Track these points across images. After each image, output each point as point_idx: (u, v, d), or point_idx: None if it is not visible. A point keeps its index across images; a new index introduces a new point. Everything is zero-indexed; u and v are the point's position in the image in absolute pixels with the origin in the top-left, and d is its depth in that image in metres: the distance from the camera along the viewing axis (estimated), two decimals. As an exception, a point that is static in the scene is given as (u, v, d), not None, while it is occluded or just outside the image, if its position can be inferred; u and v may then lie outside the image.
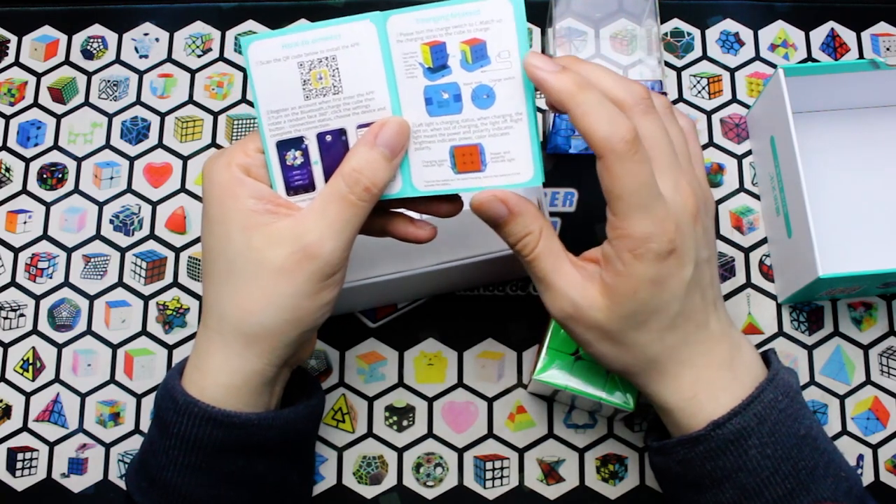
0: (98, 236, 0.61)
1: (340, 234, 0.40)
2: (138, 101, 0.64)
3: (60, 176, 0.62)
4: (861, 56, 0.64)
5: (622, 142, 0.38)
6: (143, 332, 0.59)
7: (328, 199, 0.41)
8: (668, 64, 0.64)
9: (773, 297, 0.59)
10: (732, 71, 0.64)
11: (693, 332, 0.42)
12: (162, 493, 0.43)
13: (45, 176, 0.62)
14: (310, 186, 0.42)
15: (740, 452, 0.41)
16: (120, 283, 0.60)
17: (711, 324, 0.43)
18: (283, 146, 0.41)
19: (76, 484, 0.56)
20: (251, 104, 0.63)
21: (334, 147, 0.41)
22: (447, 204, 0.44)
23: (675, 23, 0.65)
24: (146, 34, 0.65)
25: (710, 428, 0.41)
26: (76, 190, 0.62)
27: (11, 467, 0.57)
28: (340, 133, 0.41)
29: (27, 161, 0.63)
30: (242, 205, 0.41)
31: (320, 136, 0.41)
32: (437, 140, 0.41)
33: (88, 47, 0.65)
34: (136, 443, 0.57)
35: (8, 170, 0.62)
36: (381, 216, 0.44)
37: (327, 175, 0.42)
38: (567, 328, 0.43)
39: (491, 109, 0.40)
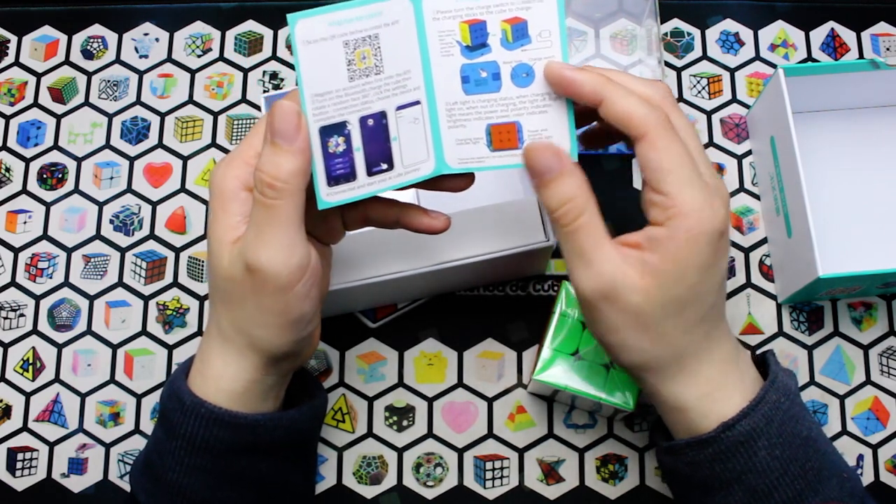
0: (98, 236, 0.61)
1: (270, 241, 0.38)
2: (138, 101, 0.64)
3: (60, 176, 0.62)
4: (861, 56, 0.64)
5: (664, 117, 0.39)
6: (143, 332, 0.59)
7: (252, 207, 0.39)
8: (668, 64, 0.64)
9: (773, 297, 0.59)
10: (732, 71, 0.64)
11: (714, 325, 0.42)
12: (167, 493, 0.43)
13: (45, 176, 0.62)
14: (351, 175, 0.40)
15: (750, 454, 0.41)
16: (120, 283, 0.60)
17: (724, 318, 0.43)
18: (326, 132, 0.39)
19: (76, 484, 0.56)
20: (251, 104, 0.63)
21: (376, 132, 0.40)
22: (461, 179, 0.44)
23: (675, 23, 0.65)
24: (146, 34, 0.65)
25: (721, 430, 0.41)
26: (76, 190, 0.62)
27: (11, 467, 0.57)
28: (381, 116, 0.40)
29: (27, 161, 0.63)
30: (230, 221, 0.40)
31: (363, 121, 0.40)
32: (473, 118, 0.41)
33: (88, 47, 0.65)
34: (136, 443, 0.57)
35: (8, 170, 0.62)
36: (393, 207, 0.44)
37: (368, 163, 0.40)
38: (596, 310, 0.40)
39: (530, 88, 0.40)
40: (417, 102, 0.40)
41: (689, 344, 0.41)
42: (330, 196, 0.40)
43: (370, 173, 0.41)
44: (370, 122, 0.40)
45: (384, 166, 0.41)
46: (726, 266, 0.41)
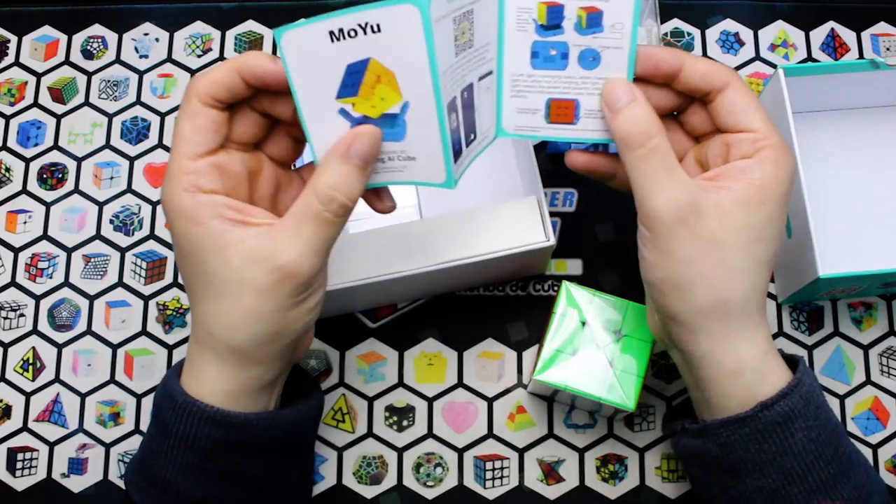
0: (98, 236, 0.61)
1: (318, 252, 0.39)
2: (138, 101, 0.64)
3: (60, 176, 0.62)
4: (861, 56, 0.64)
5: (737, 74, 0.42)
6: (143, 332, 0.59)
7: (302, 217, 0.39)
8: (668, 64, 0.64)
9: (773, 298, 0.59)
10: (732, 71, 0.64)
11: (768, 281, 0.42)
12: (161, 492, 0.43)
13: (45, 176, 0.62)
14: (458, 152, 0.41)
15: (787, 435, 0.41)
16: (120, 283, 0.60)
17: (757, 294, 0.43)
18: (448, 110, 0.39)
19: (76, 484, 0.56)
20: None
21: (468, 103, 0.41)
22: (385, 202, 0.44)
23: (675, 23, 0.65)
24: (146, 34, 0.65)
25: (758, 409, 0.40)
26: (76, 190, 0.62)
27: (11, 467, 0.57)
28: (470, 88, 0.41)
29: (27, 161, 0.63)
30: (208, 228, 0.39)
31: (462, 94, 0.41)
32: (535, 91, 0.43)
33: (88, 47, 0.65)
34: (136, 443, 0.57)
35: (8, 170, 0.62)
36: None
37: (465, 134, 0.42)
38: (670, 236, 0.39)
39: (594, 71, 0.41)
40: (491, 72, 0.42)
41: (758, 290, 0.41)
42: (455, 174, 0.41)
43: (467, 144, 0.42)
44: (465, 94, 0.41)
45: (472, 136, 0.42)
46: (785, 217, 0.42)
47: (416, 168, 0.40)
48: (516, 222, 0.51)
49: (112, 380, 0.58)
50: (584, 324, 0.50)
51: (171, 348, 0.58)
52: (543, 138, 0.44)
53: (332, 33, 0.36)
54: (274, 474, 0.45)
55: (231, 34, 0.65)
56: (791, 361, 0.44)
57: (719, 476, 0.43)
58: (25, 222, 0.61)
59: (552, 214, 0.60)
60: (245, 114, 0.41)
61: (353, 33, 0.36)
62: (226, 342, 0.41)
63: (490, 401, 0.57)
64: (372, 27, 0.36)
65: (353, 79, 0.38)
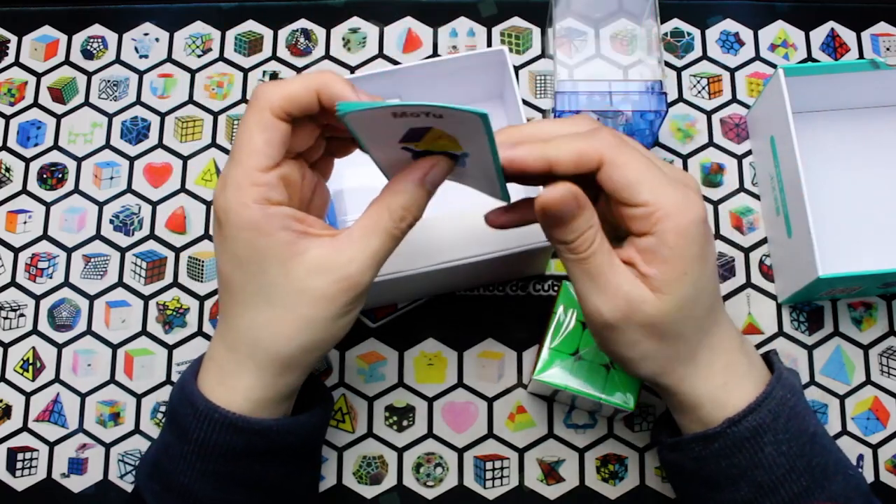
0: (98, 236, 0.61)
1: (379, 264, 0.41)
2: (138, 101, 0.64)
3: (60, 176, 0.62)
4: (861, 56, 0.64)
5: (611, 137, 0.40)
6: (143, 332, 0.59)
7: (372, 230, 0.40)
8: (668, 64, 0.64)
9: (773, 297, 0.59)
10: (732, 71, 0.64)
11: (718, 312, 0.43)
12: (177, 497, 0.43)
13: (45, 176, 0.62)
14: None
15: (756, 450, 0.41)
16: (120, 283, 0.60)
17: (722, 303, 0.44)
18: None
19: (76, 484, 0.56)
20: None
21: None
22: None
23: (675, 23, 0.65)
24: (146, 34, 0.65)
25: (726, 425, 0.41)
26: (76, 190, 0.62)
27: (11, 467, 0.57)
28: None
29: (27, 161, 0.63)
30: (276, 240, 0.40)
31: None
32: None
33: (88, 47, 0.65)
34: (136, 443, 0.57)
35: (8, 170, 0.62)
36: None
37: None
38: (615, 331, 0.41)
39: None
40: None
41: (702, 338, 0.42)
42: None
43: None
44: None
45: None
46: (714, 250, 0.42)
47: (474, 183, 0.44)
48: None
49: (112, 380, 0.58)
50: (583, 324, 0.50)
51: (171, 348, 0.58)
52: None
53: (394, 114, 0.37)
54: (290, 478, 0.46)
55: (231, 34, 0.65)
56: (769, 363, 0.45)
57: (697, 488, 0.45)
58: (25, 222, 0.61)
59: (552, 214, 0.60)
60: (305, 126, 0.42)
61: (416, 115, 0.37)
62: (272, 351, 0.41)
63: (490, 401, 0.57)
64: (434, 115, 0.37)
65: (416, 134, 0.39)
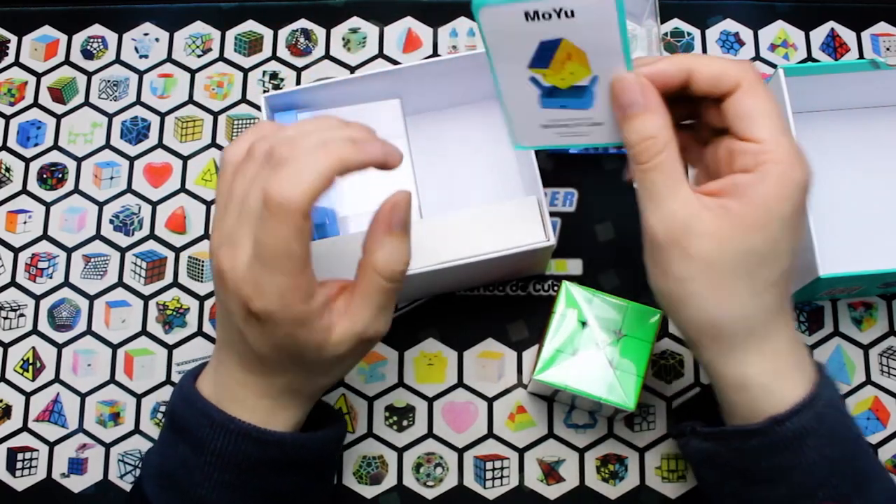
0: (98, 236, 0.61)
1: (391, 311, 0.43)
2: (138, 101, 0.64)
3: (60, 176, 0.62)
4: (861, 56, 0.64)
5: (755, 71, 0.39)
6: (143, 332, 0.59)
7: (371, 293, 0.41)
8: (668, 64, 0.64)
9: (773, 297, 0.59)
10: (732, 71, 0.64)
11: (785, 296, 0.40)
12: None
13: (45, 176, 0.62)
14: None
15: (797, 451, 0.40)
16: (120, 283, 0.60)
17: (790, 296, 0.42)
18: None
19: (76, 484, 0.56)
20: (251, 104, 0.63)
21: None
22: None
23: (675, 23, 0.65)
24: (146, 34, 0.65)
25: (770, 423, 0.39)
26: (76, 190, 0.62)
27: (11, 467, 0.57)
28: None
29: (27, 161, 0.63)
30: (313, 329, 0.41)
31: None
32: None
33: (88, 47, 0.65)
34: (136, 443, 0.57)
35: (8, 170, 0.62)
36: None
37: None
38: (665, 256, 0.39)
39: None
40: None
41: (760, 310, 0.39)
42: None
43: None
44: None
45: None
46: (803, 232, 0.40)
47: (601, 132, 0.43)
48: (516, 222, 0.51)
49: (112, 380, 0.58)
50: (584, 324, 0.50)
51: (171, 348, 0.58)
52: (558, 147, 0.43)
53: (527, 14, 0.38)
54: (304, 492, 0.46)
55: (231, 34, 0.65)
56: (819, 370, 0.43)
57: (731, 478, 0.43)
58: (25, 222, 0.61)
59: (552, 214, 0.60)
60: None
61: (547, 16, 0.38)
62: (308, 393, 0.45)
63: (490, 401, 0.57)
64: (566, 12, 0.37)
65: (545, 53, 0.40)
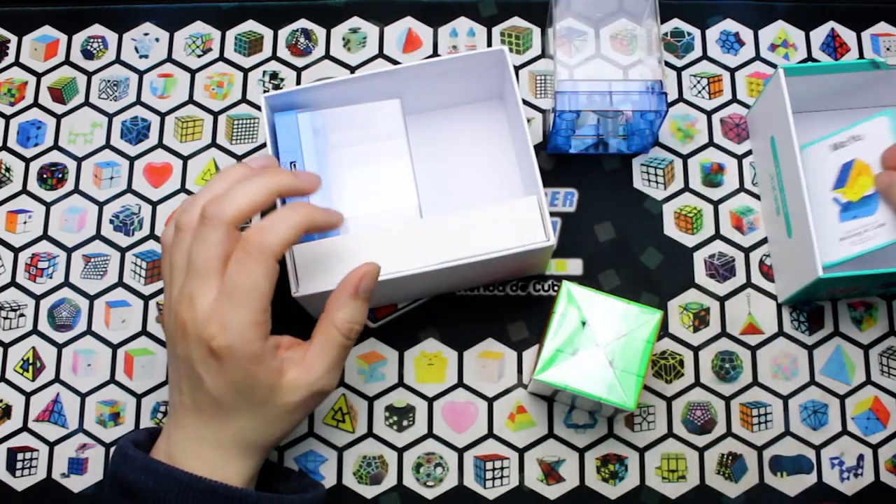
0: (98, 236, 0.61)
1: (341, 366, 0.48)
2: (138, 101, 0.64)
3: (60, 176, 0.62)
4: (861, 56, 0.64)
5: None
6: (143, 332, 0.59)
7: (328, 346, 0.47)
8: (668, 64, 0.64)
9: (773, 297, 0.59)
10: (732, 71, 0.64)
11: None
12: None
13: (45, 176, 0.62)
14: None
15: None
16: (120, 283, 0.60)
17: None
18: None
19: (76, 484, 0.56)
20: (251, 104, 0.63)
21: None
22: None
23: (675, 23, 0.65)
24: (146, 34, 0.65)
25: None
26: (76, 190, 0.62)
27: (11, 467, 0.57)
28: None
29: (27, 161, 0.63)
30: (267, 367, 0.45)
31: None
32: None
33: (88, 47, 0.65)
34: (136, 443, 0.57)
35: (8, 170, 0.62)
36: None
37: None
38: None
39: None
40: None
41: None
42: None
43: None
44: None
45: None
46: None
47: (885, 232, 0.52)
48: (516, 222, 0.51)
49: (112, 380, 0.58)
50: (584, 324, 0.50)
51: (171, 348, 0.58)
52: (851, 257, 0.52)
53: (834, 145, 0.54)
54: None
55: (231, 34, 0.65)
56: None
57: None
58: (25, 222, 0.61)
59: (552, 214, 0.60)
60: None
61: (844, 144, 0.54)
62: (257, 445, 0.47)
63: (490, 401, 0.57)
64: (856, 137, 0.54)
65: (843, 175, 0.54)
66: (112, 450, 0.49)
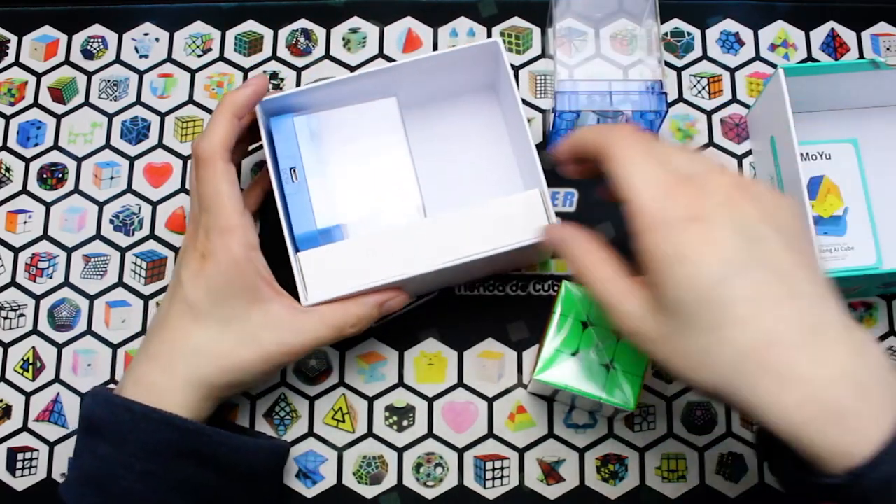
0: (98, 236, 0.61)
1: (318, 347, 0.50)
2: (138, 101, 0.64)
3: (60, 176, 0.62)
4: (861, 56, 0.64)
5: (622, 131, 0.42)
6: (143, 332, 0.59)
7: (330, 324, 0.49)
8: (668, 64, 0.64)
9: (773, 297, 0.59)
10: (732, 71, 0.64)
11: (772, 326, 0.35)
12: (118, 502, 0.45)
13: (45, 176, 0.62)
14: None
15: (886, 502, 0.33)
16: (120, 283, 0.60)
17: (805, 317, 0.36)
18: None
19: (76, 484, 0.56)
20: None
21: None
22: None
23: (675, 23, 0.65)
24: (146, 34, 0.65)
25: (850, 479, 0.33)
26: (76, 190, 0.62)
27: (11, 467, 0.57)
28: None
29: (27, 161, 0.63)
30: (248, 282, 0.47)
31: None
32: None
33: (88, 47, 0.65)
34: (136, 443, 0.57)
35: (8, 170, 0.62)
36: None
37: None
38: (644, 350, 0.39)
39: None
40: None
41: (737, 352, 0.35)
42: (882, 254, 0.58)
43: None
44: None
45: None
46: (727, 248, 0.36)
47: (853, 256, 0.55)
48: (521, 215, 0.51)
49: (112, 380, 0.58)
50: (584, 324, 0.50)
51: (171, 348, 0.58)
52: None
53: (801, 155, 0.53)
54: (226, 491, 0.48)
55: (231, 34, 0.65)
56: None
57: None
58: (25, 222, 0.61)
59: (552, 214, 0.60)
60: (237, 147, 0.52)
61: (814, 157, 0.57)
62: (206, 378, 0.47)
63: (490, 401, 0.57)
64: (825, 155, 0.58)
65: (813, 187, 0.57)
66: None
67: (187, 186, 0.62)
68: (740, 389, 0.36)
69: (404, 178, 0.55)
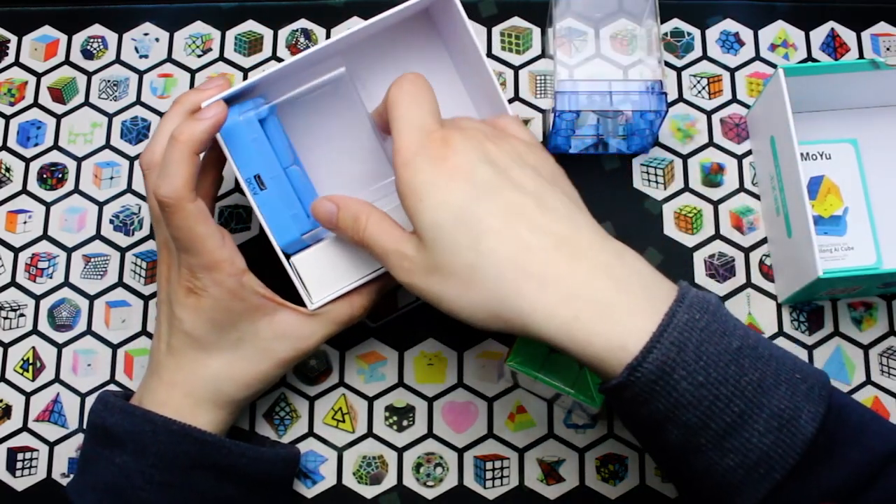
0: (98, 236, 0.61)
1: (328, 339, 0.51)
2: (138, 101, 0.64)
3: (60, 176, 0.62)
4: (861, 56, 0.64)
5: (401, 78, 0.45)
6: (143, 332, 0.59)
7: (336, 320, 0.50)
8: (668, 64, 0.64)
9: (773, 297, 0.59)
10: (732, 71, 0.64)
11: (527, 235, 0.38)
12: None
13: (45, 176, 0.62)
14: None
15: (668, 390, 0.36)
16: (120, 283, 0.60)
17: (558, 227, 0.39)
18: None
19: (76, 484, 0.56)
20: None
21: None
22: None
23: (675, 23, 0.65)
24: (146, 34, 0.65)
25: (627, 373, 0.36)
26: (76, 190, 0.62)
27: (11, 467, 0.57)
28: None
29: (27, 161, 0.63)
30: (248, 303, 0.47)
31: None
32: None
33: (88, 47, 0.65)
34: (136, 443, 0.57)
35: (8, 170, 0.62)
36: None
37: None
38: (415, 288, 0.42)
39: None
40: None
41: (505, 269, 0.38)
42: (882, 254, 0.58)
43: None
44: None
45: None
46: (479, 175, 0.40)
47: (853, 256, 0.56)
48: None
49: (112, 380, 0.58)
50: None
51: (171, 348, 0.58)
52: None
53: (801, 155, 0.54)
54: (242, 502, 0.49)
55: (231, 34, 0.65)
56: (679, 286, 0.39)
57: (640, 431, 0.41)
58: (25, 222, 0.61)
59: (552, 214, 0.60)
60: (207, 175, 0.51)
61: (814, 157, 0.58)
62: (230, 396, 0.49)
63: (490, 401, 0.57)
64: (825, 155, 0.58)
65: (813, 187, 0.57)
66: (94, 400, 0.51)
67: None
68: (507, 298, 0.38)
69: (372, 150, 0.52)
